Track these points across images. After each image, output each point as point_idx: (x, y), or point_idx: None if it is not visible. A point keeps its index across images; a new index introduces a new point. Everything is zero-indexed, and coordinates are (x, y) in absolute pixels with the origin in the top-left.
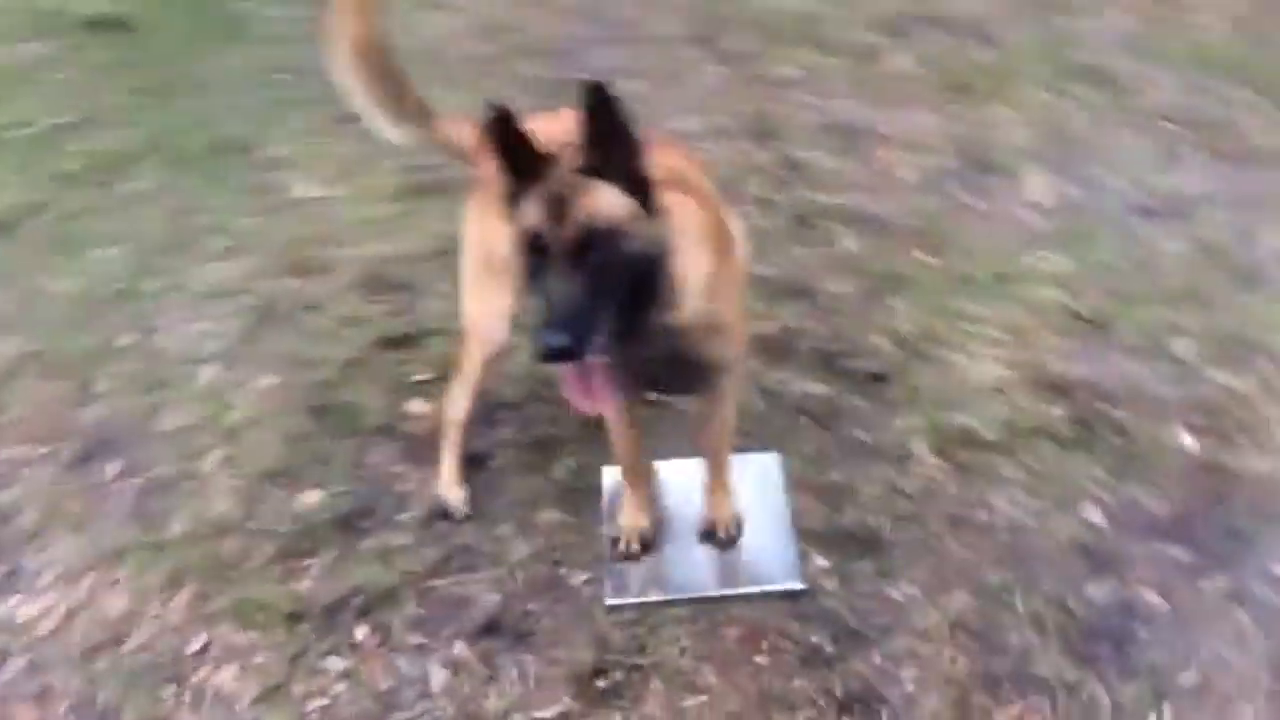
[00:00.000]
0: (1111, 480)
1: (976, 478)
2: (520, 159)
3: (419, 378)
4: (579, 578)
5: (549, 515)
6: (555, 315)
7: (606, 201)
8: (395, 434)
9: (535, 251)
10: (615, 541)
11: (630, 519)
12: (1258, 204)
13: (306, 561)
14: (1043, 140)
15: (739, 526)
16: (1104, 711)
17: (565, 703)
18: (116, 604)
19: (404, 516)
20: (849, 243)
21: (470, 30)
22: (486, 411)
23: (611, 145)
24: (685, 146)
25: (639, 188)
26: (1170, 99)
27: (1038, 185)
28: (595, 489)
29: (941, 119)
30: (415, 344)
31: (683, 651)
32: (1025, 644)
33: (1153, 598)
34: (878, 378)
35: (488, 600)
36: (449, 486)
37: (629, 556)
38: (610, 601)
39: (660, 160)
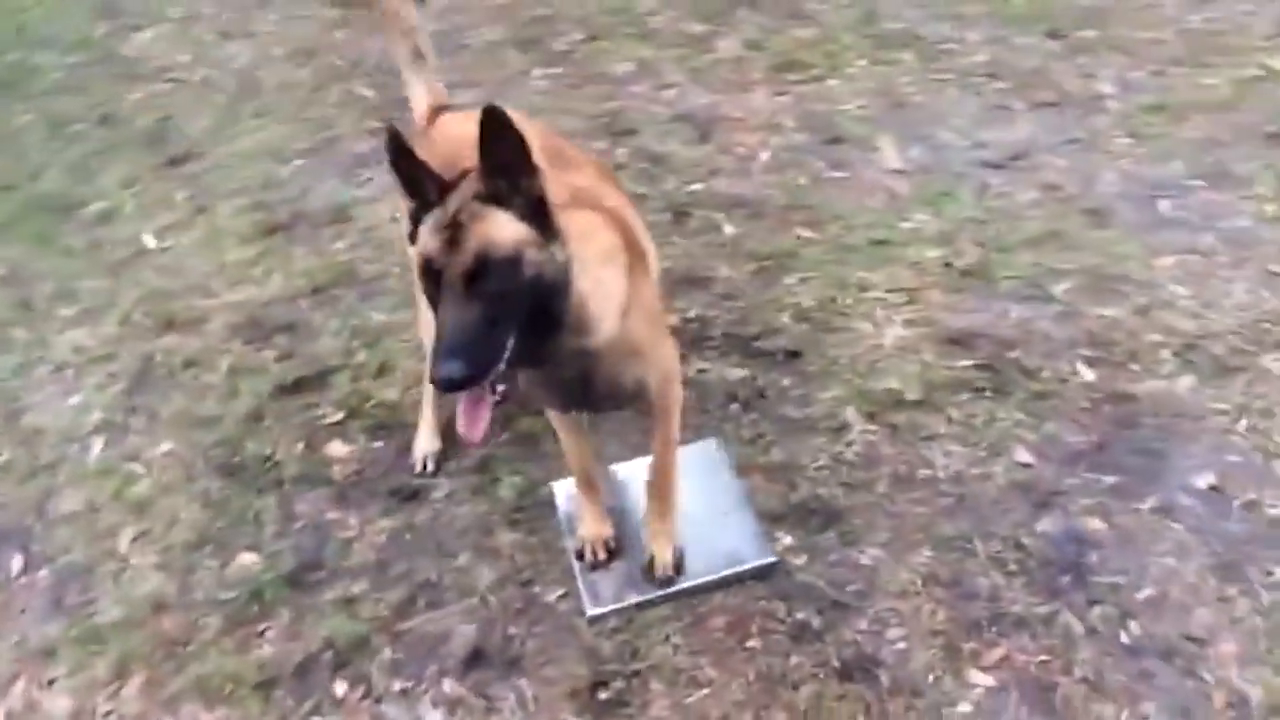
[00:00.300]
0: (1031, 420)
1: (909, 436)
2: (418, 183)
3: (330, 420)
4: (553, 594)
5: (507, 537)
6: (450, 344)
7: (501, 229)
8: (320, 480)
9: (432, 278)
10: (580, 553)
11: (591, 528)
12: (1086, 146)
13: (261, 625)
14: (880, 108)
15: (680, 564)
16: (1078, 637)
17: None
18: (60, 705)
19: (354, 563)
20: (730, 228)
21: (281, 56)
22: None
23: (508, 170)
24: (600, 159)
25: (537, 212)
26: (983, 56)
27: (888, 151)
28: (548, 503)
29: (782, 98)
30: (316, 386)
31: (675, 649)
32: (994, 586)
33: (1095, 524)
34: (793, 354)
35: (465, 632)
36: (421, 440)
37: (597, 566)
38: (591, 612)
39: (570, 179)
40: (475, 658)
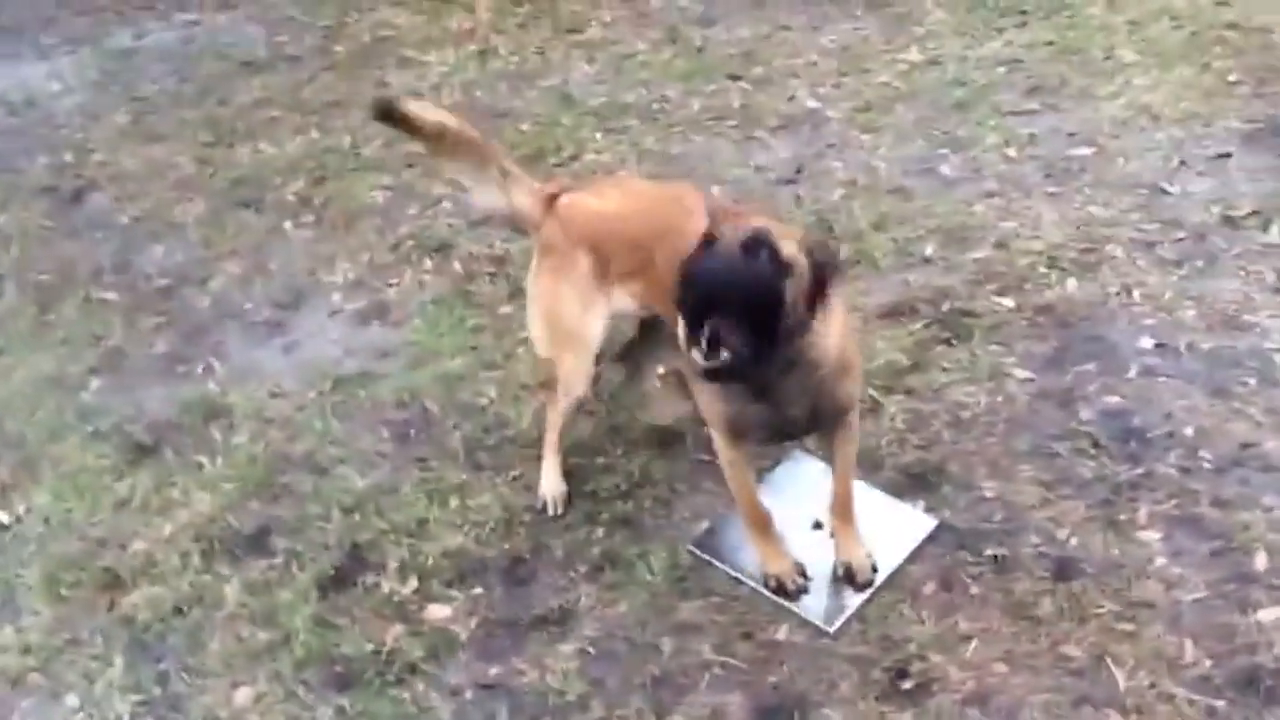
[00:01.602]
0: (1002, 348)
1: (928, 394)
2: None
3: (406, 590)
4: (781, 631)
5: (690, 607)
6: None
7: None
8: (450, 646)
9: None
10: (780, 590)
11: (777, 564)
12: (840, 148)
13: None
14: (653, 165)
15: (874, 567)
16: (1179, 477)
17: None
18: None
19: (567, 698)
20: None
21: None
22: (540, 573)
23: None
24: None
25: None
26: (696, 106)
27: None
28: (696, 566)
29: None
30: (360, 568)
31: (922, 622)
32: (1093, 470)
33: (1113, 399)
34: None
35: (735, 699)
36: (550, 483)
37: (800, 593)
38: (832, 628)
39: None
40: (766, 713)
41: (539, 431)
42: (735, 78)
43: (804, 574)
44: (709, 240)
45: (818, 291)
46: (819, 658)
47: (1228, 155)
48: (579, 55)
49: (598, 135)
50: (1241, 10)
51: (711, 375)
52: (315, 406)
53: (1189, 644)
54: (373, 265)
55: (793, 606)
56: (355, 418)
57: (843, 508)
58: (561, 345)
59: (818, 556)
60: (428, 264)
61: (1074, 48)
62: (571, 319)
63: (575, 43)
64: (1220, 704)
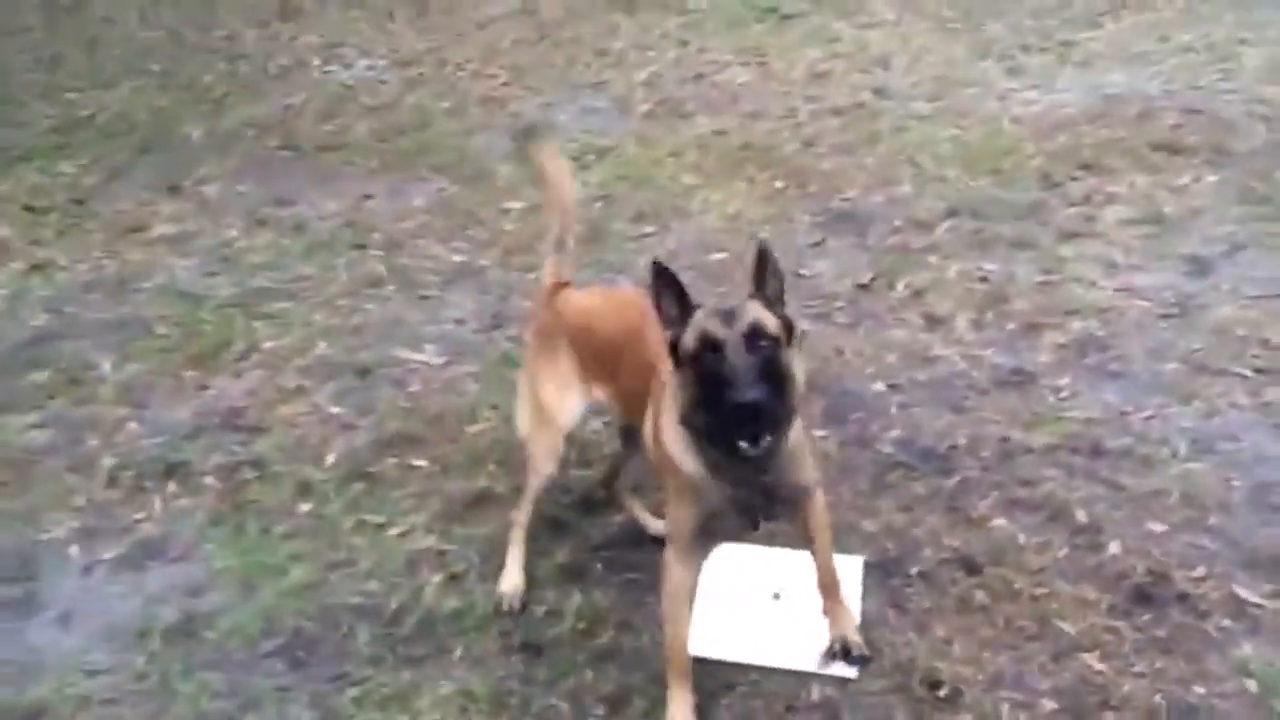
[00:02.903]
0: None
1: None
2: (677, 302)
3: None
4: (815, 692)
5: (727, 704)
6: (748, 378)
7: (768, 317)
8: None
9: (710, 351)
10: None
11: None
12: (515, 290)
13: None
14: (339, 339)
15: (866, 643)
16: (980, 477)
17: None
18: None
19: None
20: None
21: None
22: None
23: (772, 291)
24: None
25: (786, 326)
26: (341, 282)
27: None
28: (708, 664)
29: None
30: None
31: (909, 642)
32: (925, 487)
33: (893, 433)
34: None
35: None
36: (509, 580)
37: None
38: (847, 674)
39: None
40: None
41: (453, 605)
42: (360, 246)
43: None
44: (709, 341)
45: (789, 328)
46: (863, 699)
47: (821, 241)
48: (165, 253)
49: (256, 324)
50: (741, 136)
51: (745, 415)
52: (161, 668)
53: (1087, 587)
54: (96, 507)
55: (818, 669)
56: (222, 663)
57: (829, 586)
58: (535, 423)
59: (781, 626)
60: (171, 488)
61: (644, 178)
62: (547, 399)
63: (148, 241)
64: (1144, 618)
